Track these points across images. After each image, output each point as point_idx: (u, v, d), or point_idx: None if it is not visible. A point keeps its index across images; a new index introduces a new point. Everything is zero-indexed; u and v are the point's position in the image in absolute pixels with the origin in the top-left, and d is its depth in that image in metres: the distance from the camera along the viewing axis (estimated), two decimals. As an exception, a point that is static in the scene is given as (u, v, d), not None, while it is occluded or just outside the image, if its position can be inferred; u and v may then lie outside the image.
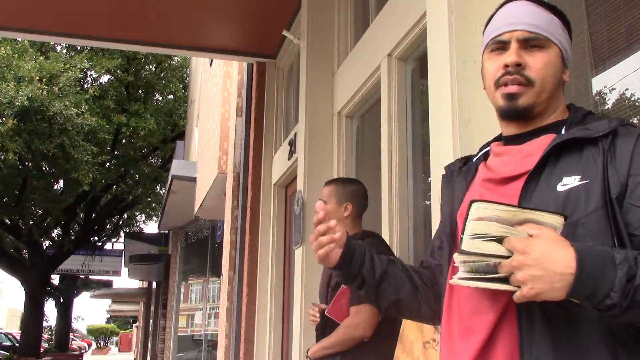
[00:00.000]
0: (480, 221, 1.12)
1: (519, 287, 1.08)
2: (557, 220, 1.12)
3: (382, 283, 1.44)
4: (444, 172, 1.52)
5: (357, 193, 2.90)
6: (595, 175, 1.17)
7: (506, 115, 1.33)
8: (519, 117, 1.32)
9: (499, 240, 1.10)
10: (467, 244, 1.12)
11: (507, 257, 1.09)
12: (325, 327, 2.67)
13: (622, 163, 1.16)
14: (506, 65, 1.30)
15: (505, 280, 1.10)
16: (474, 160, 1.45)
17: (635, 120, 1.91)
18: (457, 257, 1.14)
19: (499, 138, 1.43)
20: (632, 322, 1.08)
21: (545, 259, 1.06)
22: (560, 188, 1.19)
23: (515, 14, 1.33)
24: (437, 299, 1.45)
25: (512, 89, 1.30)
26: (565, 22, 1.37)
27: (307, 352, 2.72)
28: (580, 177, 1.18)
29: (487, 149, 1.44)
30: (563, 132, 1.28)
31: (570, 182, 1.18)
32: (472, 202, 1.14)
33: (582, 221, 1.15)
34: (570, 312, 1.11)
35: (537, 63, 1.29)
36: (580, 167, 1.20)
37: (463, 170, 1.45)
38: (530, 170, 1.23)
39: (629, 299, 1.03)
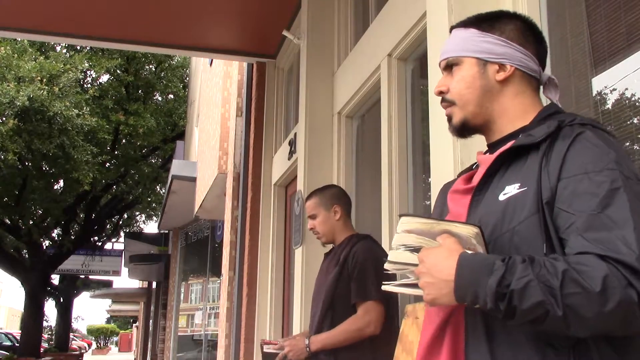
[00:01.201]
0: (404, 233, 1.22)
1: None
2: (469, 231, 1.17)
3: None
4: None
5: (339, 194, 2.94)
6: (532, 182, 1.17)
7: (454, 134, 1.42)
8: (465, 133, 1.40)
9: (419, 250, 1.20)
10: (390, 253, 1.22)
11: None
12: (329, 315, 2.63)
13: (554, 167, 1.16)
14: None
15: None
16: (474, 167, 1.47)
17: (635, 121, 1.90)
18: (386, 266, 1.24)
19: None
20: (540, 328, 1.06)
21: (435, 267, 1.14)
22: (501, 197, 1.21)
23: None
24: None
25: (445, 112, 1.41)
26: (495, 22, 1.38)
27: (307, 340, 2.63)
28: (519, 184, 1.19)
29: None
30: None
31: (510, 190, 1.20)
32: (400, 215, 1.24)
33: (516, 229, 1.16)
34: None
35: (452, 84, 1.38)
36: (521, 174, 1.21)
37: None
38: (477, 183, 1.29)
39: (504, 304, 1.04)
